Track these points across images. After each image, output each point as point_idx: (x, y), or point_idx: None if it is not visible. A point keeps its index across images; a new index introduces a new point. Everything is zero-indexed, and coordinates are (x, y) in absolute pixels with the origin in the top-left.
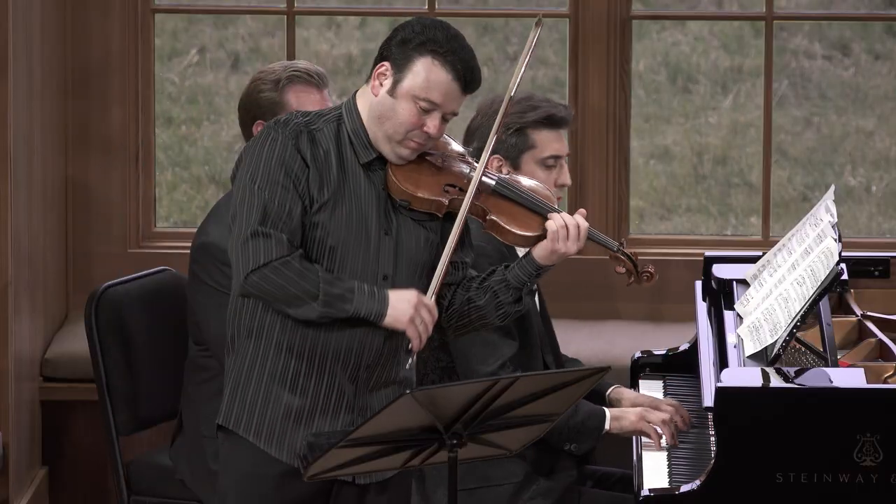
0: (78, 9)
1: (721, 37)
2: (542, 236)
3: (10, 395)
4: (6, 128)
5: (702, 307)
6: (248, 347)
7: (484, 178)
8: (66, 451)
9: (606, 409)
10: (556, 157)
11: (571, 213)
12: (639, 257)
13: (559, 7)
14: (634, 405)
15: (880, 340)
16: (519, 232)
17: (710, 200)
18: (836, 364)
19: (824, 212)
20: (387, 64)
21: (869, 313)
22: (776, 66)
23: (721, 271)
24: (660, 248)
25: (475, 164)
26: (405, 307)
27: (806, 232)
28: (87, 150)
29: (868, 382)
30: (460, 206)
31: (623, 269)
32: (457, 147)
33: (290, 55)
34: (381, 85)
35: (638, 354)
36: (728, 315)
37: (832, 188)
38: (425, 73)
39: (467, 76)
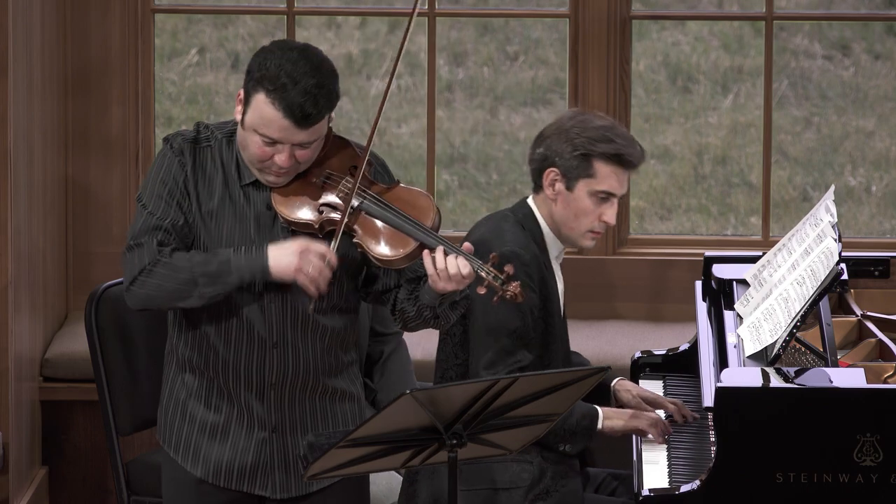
0: (78, 9)
1: (721, 37)
2: (410, 257)
3: (10, 395)
4: (6, 128)
5: (702, 307)
6: (171, 364)
7: (354, 198)
8: (66, 451)
9: (599, 409)
10: (610, 195)
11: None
12: (508, 275)
13: (559, 7)
14: (639, 396)
15: (880, 340)
16: (381, 255)
17: (710, 200)
18: (836, 364)
19: (824, 212)
20: (241, 93)
21: (869, 313)
22: (776, 66)
23: (721, 271)
24: (660, 248)
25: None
26: (288, 258)
27: (806, 232)
28: (87, 150)
29: (868, 382)
30: (333, 226)
31: (484, 289)
32: (351, 158)
33: None
34: (239, 113)
35: (638, 354)
36: (728, 315)
37: (832, 188)
38: (259, 111)
39: (297, 114)
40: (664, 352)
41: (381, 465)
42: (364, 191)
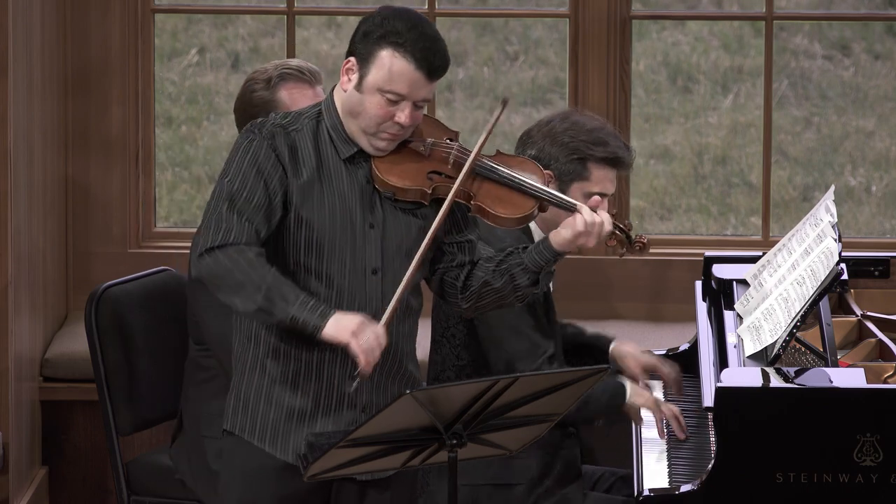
0: (78, 9)
1: (721, 37)
2: (530, 217)
3: (10, 395)
4: (6, 128)
5: (702, 307)
6: (248, 351)
7: (470, 162)
8: (66, 451)
9: (626, 383)
10: (603, 195)
11: None
12: (630, 227)
13: (559, 7)
14: (637, 363)
15: (880, 340)
16: (504, 214)
17: (710, 200)
18: (836, 364)
19: (824, 212)
20: (352, 59)
21: (869, 313)
22: (776, 66)
23: (721, 271)
24: (660, 248)
25: (462, 147)
26: (348, 322)
27: (806, 232)
28: (87, 150)
29: (868, 382)
30: (445, 192)
31: (615, 242)
32: (444, 130)
33: (290, 55)
34: (350, 80)
35: None
36: (728, 315)
37: (832, 188)
38: (388, 66)
39: (430, 64)
40: (664, 352)
41: (381, 465)
42: (476, 155)
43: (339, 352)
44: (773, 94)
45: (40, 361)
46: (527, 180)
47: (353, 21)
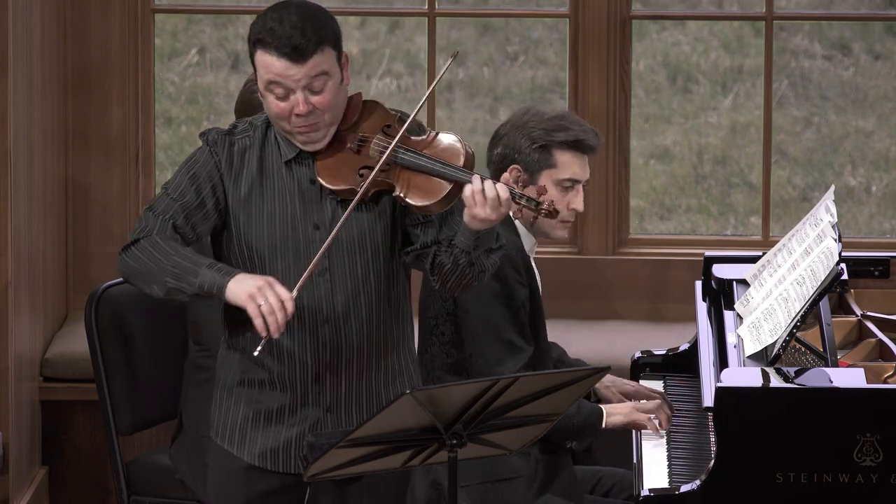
0: (78, 9)
1: (721, 37)
2: (449, 198)
3: (10, 395)
4: (6, 128)
5: (702, 307)
6: (225, 358)
7: (386, 153)
8: (66, 451)
9: (602, 406)
10: (575, 181)
11: None
12: (543, 197)
13: (559, 7)
14: (619, 393)
15: (880, 340)
16: (421, 203)
17: (710, 200)
18: (836, 364)
19: (824, 212)
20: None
21: (869, 313)
22: (776, 66)
23: (721, 271)
24: (660, 248)
25: (381, 139)
26: (249, 284)
27: (806, 232)
28: (87, 150)
29: (868, 382)
30: (377, 186)
31: (521, 213)
32: (383, 116)
33: None
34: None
35: (638, 354)
36: (728, 315)
37: (832, 188)
38: (261, 67)
39: (290, 47)
40: (664, 352)
41: (381, 465)
42: (396, 145)
43: (297, 353)
44: (773, 94)
45: (40, 361)
46: (440, 163)
47: (354, 21)
